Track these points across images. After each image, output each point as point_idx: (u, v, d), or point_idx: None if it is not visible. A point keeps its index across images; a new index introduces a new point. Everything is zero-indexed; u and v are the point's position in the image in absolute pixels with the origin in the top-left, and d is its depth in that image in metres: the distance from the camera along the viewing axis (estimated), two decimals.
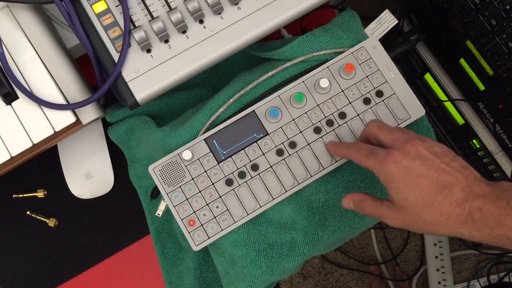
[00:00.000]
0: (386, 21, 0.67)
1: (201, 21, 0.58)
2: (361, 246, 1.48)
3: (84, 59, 0.63)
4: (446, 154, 0.49)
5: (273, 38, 0.69)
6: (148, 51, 0.57)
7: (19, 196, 0.71)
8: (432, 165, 0.47)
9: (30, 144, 0.58)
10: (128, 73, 0.57)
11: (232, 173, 0.60)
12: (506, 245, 0.46)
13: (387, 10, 0.67)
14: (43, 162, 0.71)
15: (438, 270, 1.40)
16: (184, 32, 0.58)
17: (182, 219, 0.60)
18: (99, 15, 0.57)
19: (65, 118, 0.58)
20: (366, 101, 0.61)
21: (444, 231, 0.47)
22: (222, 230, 0.60)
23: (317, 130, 0.61)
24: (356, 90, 0.62)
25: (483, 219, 0.45)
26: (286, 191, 0.60)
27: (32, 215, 0.71)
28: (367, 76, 0.62)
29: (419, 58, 1.04)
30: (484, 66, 0.88)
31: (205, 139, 0.61)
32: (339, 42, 0.63)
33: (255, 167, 0.60)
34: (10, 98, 0.58)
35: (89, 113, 0.59)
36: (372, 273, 1.44)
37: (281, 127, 0.61)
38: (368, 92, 0.62)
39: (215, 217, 0.60)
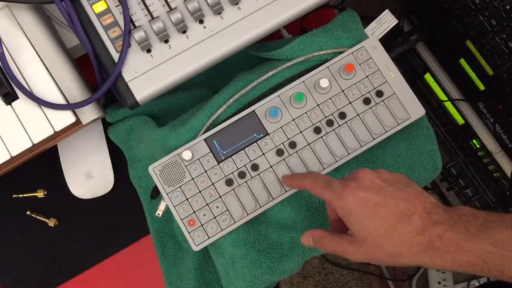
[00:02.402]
0: (386, 21, 0.67)
1: (201, 21, 0.58)
2: None
3: (84, 59, 0.63)
4: (399, 181, 0.49)
5: (273, 38, 0.69)
6: (148, 51, 0.57)
7: (19, 196, 0.71)
8: (388, 193, 0.47)
9: (30, 144, 0.58)
10: (128, 73, 0.57)
11: (232, 173, 0.60)
12: (469, 271, 0.45)
13: (387, 10, 0.67)
14: (43, 162, 0.71)
15: (438, 270, 1.40)
16: (184, 32, 0.58)
17: (182, 219, 0.60)
18: (99, 15, 0.57)
19: (65, 118, 0.58)
20: (366, 101, 0.61)
21: (406, 261, 0.46)
22: (222, 230, 0.60)
23: (317, 130, 0.61)
24: (356, 90, 0.62)
25: (444, 246, 0.44)
26: (286, 191, 0.60)
27: (32, 215, 0.71)
28: (367, 76, 0.62)
29: (419, 58, 1.03)
30: (484, 66, 0.88)
31: (205, 139, 0.61)
32: (339, 42, 0.63)
33: (255, 167, 0.60)
34: (10, 98, 0.58)
35: (89, 113, 0.59)
36: (372, 273, 1.44)
37: (281, 127, 0.61)
38: (368, 92, 0.62)
39: (215, 217, 0.60)
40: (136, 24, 0.57)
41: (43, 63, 0.58)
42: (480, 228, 0.44)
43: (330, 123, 0.61)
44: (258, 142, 0.61)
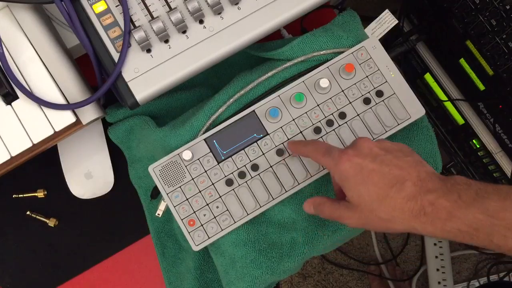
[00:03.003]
0: (386, 21, 0.67)
1: (201, 21, 0.58)
2: (361, 246, 1.48)
3: (84, 59, 0.63)
4: (400, 150, 0.50)
5: (273, 38, 0.69)
6: (148, 51, 0.57)
7: (19, 196, 0.71)
8: (384, 160, 0.48)
9: (30, 144, 0.58)
10: (128, 73, 0.57)
11: (232, 173, 0.60)
12: (459, 239, 0.46)
13: (387, 10, 0.67)
14: (43, 162, 0.71)
15: (438, 270, 1.40)
16: (184, 32, 0.58)
17: (182, 219, 0.60)
18: (99, 15, 0.57)
19: (65, 118, 0.58)
20: (366, 101, 0.61)
21: (398, 226, 0.47)
22: (222, 230, 0.60)
23: (317, 130, 0.61)
24: (356, 90, 0.62)
25: (435, 212, 0.45)
26: (286, 191, 0.60)
27: (32, 215, 0.71)
28: (367, 76, 0.62)
29: (419, 58, 1.04)
30: (484, 66, 0.88)
31: (205, 139, 0.61)
32: (339, 42, 0.63)
33: (255, 167, 0.60)
34: (10, 98, 0.58)
35: (89, 113, 0.59)
36: (372, 273, 1.44)
37: (281, 127, 0.61)
38: (368, 92, 0.62)
39: (215, 217, 0.60)
40: (136, 24, 0.57)
41: (43, 63, 0.58)
42: (473, 197, 0.45)
43: (330, 123, 0.61)
44: (258, 142, 0.61)
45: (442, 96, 1.02)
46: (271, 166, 0.60)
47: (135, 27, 0.57)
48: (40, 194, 0.71)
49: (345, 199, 0.51)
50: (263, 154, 0.61)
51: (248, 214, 0.60)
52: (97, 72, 0.59)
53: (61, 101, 0.58)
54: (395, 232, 0.49)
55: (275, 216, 0.61)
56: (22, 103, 0.58)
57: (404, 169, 0.47)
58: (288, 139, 0.61)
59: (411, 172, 0.47)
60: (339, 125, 0.61)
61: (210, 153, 0.60)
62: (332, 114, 0.61)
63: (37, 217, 0.71)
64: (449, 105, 1.02)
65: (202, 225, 0.60)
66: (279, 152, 0.60)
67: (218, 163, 0.60)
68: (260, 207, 0.60)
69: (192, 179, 0.60)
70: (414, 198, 0.46)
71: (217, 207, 0.60)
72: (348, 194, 0.50)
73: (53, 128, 0.58)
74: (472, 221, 0.44)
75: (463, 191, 0.45)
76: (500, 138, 0.94)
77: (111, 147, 0.71)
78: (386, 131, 0.61)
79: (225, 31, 0.58)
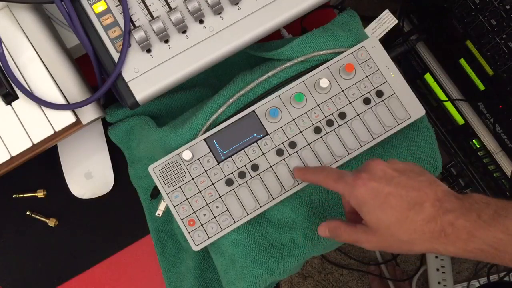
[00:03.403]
0: (386, 21, 0.67)
1: (201, 21, 0.58)
2: None
3: (84, 59, 0.63)
4: (412, 170, 0.49)
5: (273, 38, 0.69)
6: (148, 51, 0.57)
7: (19, 196, 0.71)
8: (400, 182, 0.48)
9: (30, 144, 0.58)
10: (128, 73, 0.57)
11: (232, 173, 0.60)
12: (481, 258, 0.46)
13: (387, 10, 0.67)
14: (43, 162, 0.71)
15: (438, 270, 1.40)
16: (184, 32, 0.58)
17: (182, 219, 0.60)
18: (99, 15, 0.57)
19: (65, 118, 0.58)
20: (366, 101, 0.61)
21: (419, 248, 0.47)
22: (222, 230, 0.60)
23: (317, 130, 0.61)
24: (356, 90, 0.62)
25: (456, 233, 0.45)
26: (286, 191, 0.60)
27: (32, 215, 0.71)
28: (367, 76, 0.62)
29: (419, 58, 1.04)
30: (484, 66, 0.88)
31: (205, 139, 0.61)
32: (339, 42, 0.63)
33: (255, 167, 0.60)
34: (10, 98, 0.58)
35: (89, 113, 0.59)
36: (372, 273, 1.44)
37: (281, 127, 0.61)
38: (368, 92, 0.62)
39: (215, 217, 0.60)
40: (136, 24, 0.57)
41: (43, 63, 0.58)
42: (492, 216, 0.44)
43: (330, 123, 0.61)
44: (258, 142, 0.61)
45: (442, 96, 1.02)
46: (271, 166, 0.60)
47: (135, 27, 0.57)
48: (40, 194, 0.71)
49: (362, 222, 0.50)
50: (263, 154, 0.61)
51: (248, 214, 0.60)
52: (97, 72, 0.59)
53: (61, 101, 0.58)
54: (416, 253, 0.49)
55: (275, 216, 0.61)
56: (22, 103, 0.58)
57: (421, 190, 0.47)
58: (288, 139, 0.61)
59: (428, 192, 0.47)
60: (339, 125, 0.61)
61: (210, 153, 0.60)
62: (332, 114, 0.61)
63: (37, 217, 0.71)
64: (449, 105, 1.02)
65: (202, 225, 0.60)
66: (279, 152, 0.60)
67: (218, 163, 0.60)
68: (260, 207, 0.60)
69: (192, 179, 0.60)
70: (434, 220, 0.45)
71: (217, 207, 0.60)
72: (366, 218, 0.49)
73: (53, 128, 0.58)
74: (493, 241, 0.44)
75: (482, 210, 0.45)
76: (500, 138, 0.94)
77: (111, 147, 0.71)
78: (386, 131, 0.61)
79: (225, 31, 0.58)
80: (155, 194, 0.65)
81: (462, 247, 0.45)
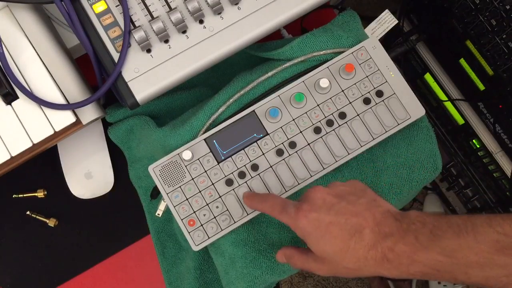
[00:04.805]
0: (386, 21, 0.67)
1: (201, 21, 0.58)
2: None
3: (84, 59, 0.63)
4: (352, 192, 0.50)
5: (273, 38, 0.69)
6: (148, 51, 0.57)
7: (19, 196, 0.71)
8: (339, 210, 0.48)
9: (30, 144, 0.58)
10: (128, 73, 0.57)
11: (232, 173, 0.60)
12: (425, 278, 0.46)
13: (387, 10, 0.67)
14: (43, 162, 0.71)
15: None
16: (184, 32, 0.58)
17: (182, 219, 0.60)
18: (99, 15, 0.57)
19: (65, 118, 0.58)
20: (366, 101, 0.61)
21: (366, 273, 0.48)
22: (222, 230, 0.60)
23: (317, 130, 0.61)
24: (356, 90, 0.62)
25: (397, 259, 0.45)
26: (286, 191, 0.60)
27: (32, 215, 0.71)
28: (367, 76, 0.62)
29: (419, 58, 1.04)
30: (484, 66, 0.88)
31: (205, 139, 0.61)
32: (339, 42, 0.63)
33: (255, 167, 0.60)
34: (10, 98, 0.58)
35: (89, 113, 0.59)
36: None
37: (281, 127, 0.61)
38: (368, 92, 0.62)
39: (215, 217, 0.60)
40: (136, 24, 0.57)
41: (43, 63, 0.58)
42: (429, 237, 0.45)
43: (330, 123, 0.61)
44: (258, 142, 0.61)
45: (442, 96, 1.02)
46: (271, 166, 0.60)
47: (135, 27, 0.57)
48: (40, 194, 0.71)
49: None
50: (263, 154, 0.61)
51: (248, 214, 0.60)
52: (97, 72, 0.59)
53: (61, 101, 0.58)
54: (365, 277, 0.50)
55: None
56: (22, 103, 0.58)
57: (360, 214, 0.47)
58: (288, 139, 0.61)
59: (367, 216, 0.47)
60: (339, 125, 0.61)
61: (210, 153, 0.60)
62: (332, 114, 0.61)
63: (37, 217, 0.71)
64: (449, 105, 1.02)
65: (202, 225, 0.60)
66: (279, 152, 0.60)
67: (218, 163, 0.60)
68: None
69: (192, 179, 0.60)
70: (374, 247, 0.46)
71: (217, 207, 0.60)
72: (312, 248, 0.50)
73: (53, 128, 0.58)
74: (432, 263, 0.45)
75: (419, 231, 0.46)
76: (500, 138, 0.94)
77: (111, 147, 0.71)
78: (386, 131, 0.61)
79: (225, 31, 0.58)
80: (155, 194, 0.65)
81: (405, 271, 0.46)
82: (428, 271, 0.45)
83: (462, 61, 0.93)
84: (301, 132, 0.61)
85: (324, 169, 0.60)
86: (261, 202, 0.56)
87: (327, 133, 0.61)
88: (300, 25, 0.75)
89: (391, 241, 0.46)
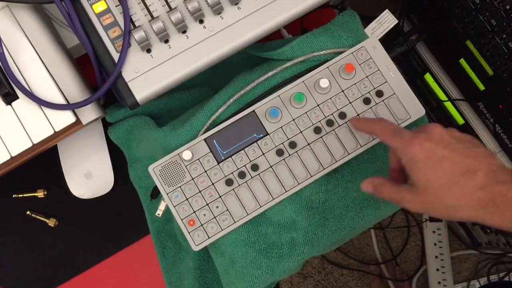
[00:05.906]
0: (386, 21, 0.67)
1: (201, 21, 0.58)
2: (361, 246, 1.48)
3: (84, 59, 0.63)
4: (470, 141, 0.49)
5: (273, 38, 0.69)
6: (148, 51, 0.57)
7: (19, 196, 0.71)
8: (456, 149, 0.47)
9: (30, 144, 0.58)
10: (128, 73, 0.57)
11: (232, 173, 0.60)
12: None
13: (387, 10, 0.67)
14: (43, 162, 0.71)
15: (438, 270, 1.40)
16: (184, 32, 0.58)
17: (182, 219, 0.60)
18: (99, 15, 0.57)
19: (65, 118, 0.58)
20: (366, 101, 0.61)
21: (463, 214, 0.47)
22: (222, 230, 0.60)
23: (317, 130, 0.61)
24: (356, 90, 0.62)
25: (506, 203, 0.45)
26: (286, 191, 0.60)
27: (32, 215, 0.71)
28: (367, 76, 0.62)
29: (419, 58, 1.04)
30: (484, 66, 0.88)
31: (205, 139, 0.61)
32: (339, 42, 0.63)
33: (255, 167, 0.60)
34: (10, 98, 0.58)
35: (89, 113, 0.59)
36: (372, 273, 1.44)
37: (281, 127, 0.61)
38: (368, 92, 0.62)
39: (215, 217, 0.60)
40: (136, 24, 0.57)
41: (43, 63, 0.58)
42: None
43: (330, 123, 0.61)
44: (258, 142, 0.61)
45: (442, 96, 1.02)
46: (271, 166, 0.60)
47: (135, 27, 0.57)
48: (40, 194, 0.71)
49: (407, 182, 0.50)
50: (263, 154, 0.61)
51: (248, 214, 0.60)
52: (97, 72, 0.59)
53: (61, 101, 0.58)
54: (459, 219, 0.49)
55: (275, 216, 0.61)
56: (22, 103, 0.58)
57: (476, 159, 0.47)
58: (288, 139, 0.61)
59: (483, 162, 0.47)
60: (339, 125, 0.61)
61: (210, 153, 0.60)
62: (332, 114, 0.61)
63: (37, 217, 0.71)
64: (449, 105, 1.02)
65: (202, 225, 0.60)
66: (279, 152, 0.60)
67: (218, 163, 0.60)
68: (260, 207, 0.60)
69: (192, 179, 0.60)
70: (484, 188, 0.45)
71: (217, 207, 0.60)
72: (415, 177, 0.49)
73: (53, 128, 0.58)
74: None
75: None
76: (500, 138, 0.94)
77: (111, 147, 0.71)
78: None
79: (225, 31, 0.58)
80: (155, 194, 0.65)
81: (509, 217, 0.45)
82: None
83: (462, 61, 0.93)
84: (301, 132, 0.61)
85: (324, 169, 0.60)
86: (373, 123, 0.55)
87: (327, 133, 0.61)
88: (300, 25, 0.75)
89: (503, 187, 0.45)
